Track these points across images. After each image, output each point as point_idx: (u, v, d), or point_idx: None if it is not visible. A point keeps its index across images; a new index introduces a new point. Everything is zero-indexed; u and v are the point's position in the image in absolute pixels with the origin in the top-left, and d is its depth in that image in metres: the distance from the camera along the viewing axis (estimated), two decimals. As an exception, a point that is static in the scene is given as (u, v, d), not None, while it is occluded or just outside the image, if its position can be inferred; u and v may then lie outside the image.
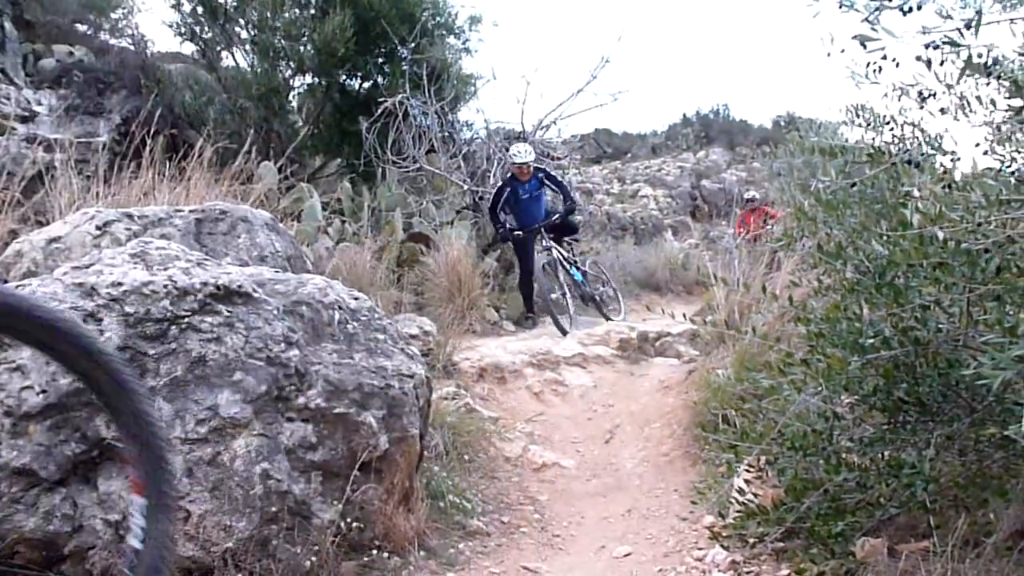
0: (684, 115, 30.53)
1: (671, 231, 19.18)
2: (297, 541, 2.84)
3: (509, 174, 8.75)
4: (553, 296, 8.06)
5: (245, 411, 2.85)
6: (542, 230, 8.52)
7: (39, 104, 8.96)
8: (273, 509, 2.80)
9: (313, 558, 2.82)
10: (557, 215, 8.67)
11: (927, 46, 1.95)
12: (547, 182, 8.73)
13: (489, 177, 10.53)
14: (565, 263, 8.70)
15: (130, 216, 3.84)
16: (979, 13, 1.83)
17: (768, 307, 4.65)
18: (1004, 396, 2.44)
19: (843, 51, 2.19)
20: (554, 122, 11.30)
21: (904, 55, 2.10)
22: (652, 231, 18.74)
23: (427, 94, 10.08)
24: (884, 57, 2.09)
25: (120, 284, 2.87)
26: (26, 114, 8.64)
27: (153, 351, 2.81)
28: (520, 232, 8.53)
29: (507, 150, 10.99)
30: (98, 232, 3.70)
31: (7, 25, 9.66)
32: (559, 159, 11.61)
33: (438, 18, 11.20)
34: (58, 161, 5.36)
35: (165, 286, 2.91)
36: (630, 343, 7.57)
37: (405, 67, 10.18)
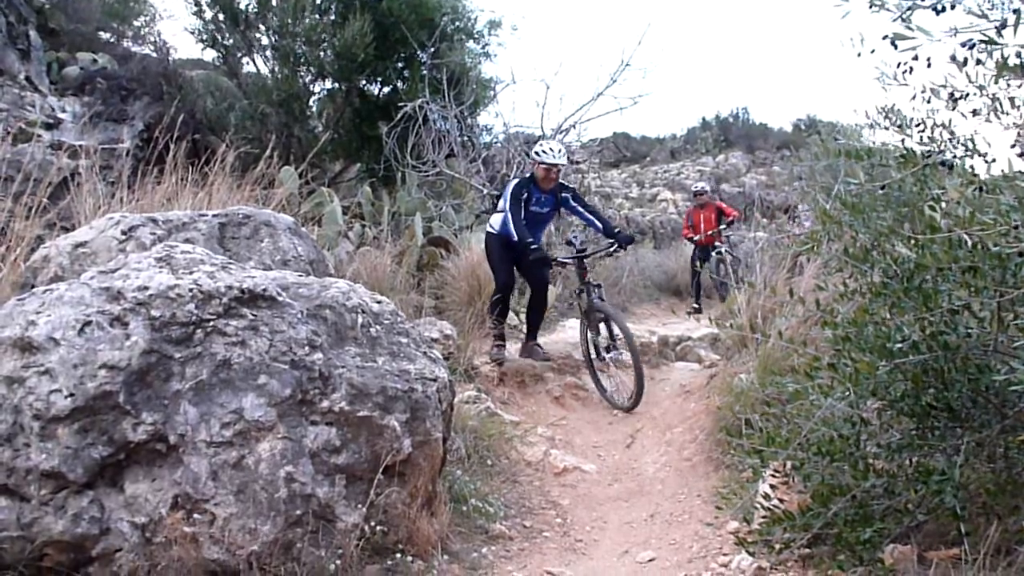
0: (703, 118, 30.45)
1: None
2: (321, 544, 2.84)
3: (529, 175, 6.55)
4: (608, 357, 6.17)
5: (270, 414, 2.86)
6: (583, 266, 6.43)
7: (63, 111, 9.07)
8: (297, 512, 2.81)
9: (337, 561, 2.82)
10: (614, 244, 6.37)
11: (963, 45, 1.92)
12: (574, 204, 6.50)
13: (508, 182, 10.53)
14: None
15: (155, 221, 3.87)
16: (1017, 12, 1.80)
17: (792, 311, 4.63)
18: (1036, 402, 2.41)
19: (873, 51, 2.17)
20: (573, 126, 11.27)
21: (936, 55, 2.07)
22: (671, 235, 18.66)
23: (446, 98, 10.10)
24: (915, 57, 2.07)
25: (146, 288, 2.89)
26: (51, 121, 8.74)
27: (179, 354, 2.82)
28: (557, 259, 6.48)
29: (528, 153, 10.97)
30: (123, 237, 3.73)
31: (32, 33, 9.78)
32: (578, 163, 11.59)
33: (457, 23, 11.22)
34: (83, 167, 5.42)
35: (190, 290, 2.93)
36: (650, 347, 7.55)
37: (424, 72, 10.20)
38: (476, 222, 10.01)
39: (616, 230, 6.39)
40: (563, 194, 6.50)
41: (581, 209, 6.52)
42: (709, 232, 12.21)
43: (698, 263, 11.94)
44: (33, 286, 3.48)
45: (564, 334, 7.77)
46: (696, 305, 12.09)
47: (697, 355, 7.65)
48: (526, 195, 6.29)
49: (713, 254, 11.99)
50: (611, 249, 6.46)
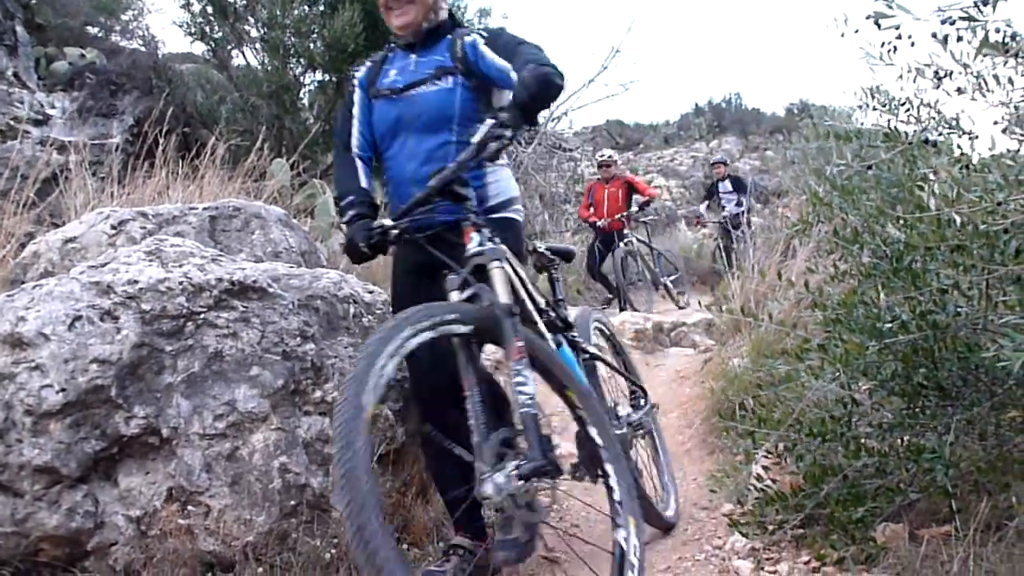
0: (696, 104, 30.47)
1: (684, 221, 19.09)
2: (316, 534, 2.85)
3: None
4: None
5: (263, 405, 2.86)
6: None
7: (52, 107, 9.02)
8: (292, 503, 2.81)
9: (332, 550, 2.83)
10: (502, 125, 2.33)
11: (943, 22, 1.92)
12: (487, 54, 2.77)
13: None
14: None
15: (144, 215, 3.86)
16: (996, -12, 1.81)
17: (784, 294, 4.64)
18: (1025, 379, 2.42)
19: (857, 31, 2.17)
20: (565, 113, 11.25)
21: (920, 34, 2.07)
22: (665, 221, 18.68)
23: (438, 88, 10.06)
24: (899, 36, 2.07)
25: (136, 282, 2.88)
26: (39, 117, 8.69)
27: (170, 347, 2.82)
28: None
29: (519, 143, 10.93)
30: (113, 231, 3.72)
31: (19, 29, 9.72)
32: (571, 150, 11.58)
33: (447, 11, 11.16)
34: (72, 163, 5.40)
35: (181, 283, 2.93)
36: (645, 334, 7.57)
37: (415, 61, 10.15)
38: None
39: (528, 87, 2.43)
40: (464, 40, 2.84)
41: (494, 62, 2.75)
42: (616, 216, 9.66)
43: (598, 255, 9.71)
44: (23, 282, 3.47)
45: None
46: (621, 306, 9.58)
47: (692, 340, 7.67)
48: (365, 78, 2.99)
49: (621, 244, 9.51)
50: (491, 134, 2.36)
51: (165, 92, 8.46)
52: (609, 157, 10.15)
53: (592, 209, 9.88)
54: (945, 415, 2.64)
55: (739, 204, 11.86)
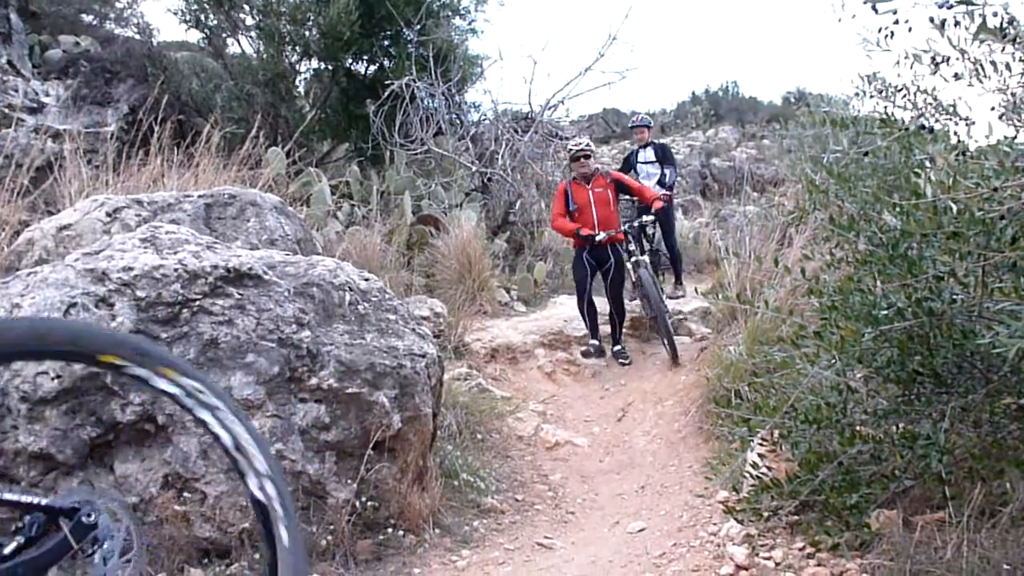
0: (693, 93, 30.32)
1: (681, 210, 19.04)
2: (313, 520, 2.86)
3: None
4: None
5: (258, 392, 2.86)
6: None
7: (46, 95, 8.95)
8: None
9: (329, 537, 2.84)
10: None
11: (941, 7, 1.91)
12: None
13: (497, 158, 10.48)
14: None
15: (139, 202, 3.84)
16: (993, -29, 1.79)
17: (781, 281, 4.64)
18: (1020, 366, 2.42)
19: (854, 17, 2.16)
20: (562, 102, 11.21)
21: (917, 19, 2.06)
22: (662, 211, 18.60)
23: (434, 76, 10.03)
24: (896, 22, 2.06)
25: (131, 269, 2.88)
26: (34, 105, 8.63)
27: (165, 334, 2.82)
28: None
29: (515, 131, 10.91)
30: (108, 219, 3.70)
31: (13, 17, 9.64)
32: (568, 139, 11.55)
33: (443, -1, 11.11)
34: (67, 151, 5.37)
35: (176, 270, 2.92)
36: (642, 322, 7.56)
37: (411, 49, 10.11)
38: (466, 199, 9.99)
39: None
40: None
41: None
42: (616, 229, 6.80)
43: (590, 270, 6.64)
44: (18, 269, 3.46)
45: (556, 310, 7.76)
46: (595, 341, 6.56)
47: (688, 329, 7.66)
48: None
49: (629, 264, 6.87)
50: None
51: (160, 80, 8.44)
52: (587, 146, 7.07)
53: (572, 216, 6.87)
54: (940, 402, 2.64)
55: (662, 181, 8.89)
